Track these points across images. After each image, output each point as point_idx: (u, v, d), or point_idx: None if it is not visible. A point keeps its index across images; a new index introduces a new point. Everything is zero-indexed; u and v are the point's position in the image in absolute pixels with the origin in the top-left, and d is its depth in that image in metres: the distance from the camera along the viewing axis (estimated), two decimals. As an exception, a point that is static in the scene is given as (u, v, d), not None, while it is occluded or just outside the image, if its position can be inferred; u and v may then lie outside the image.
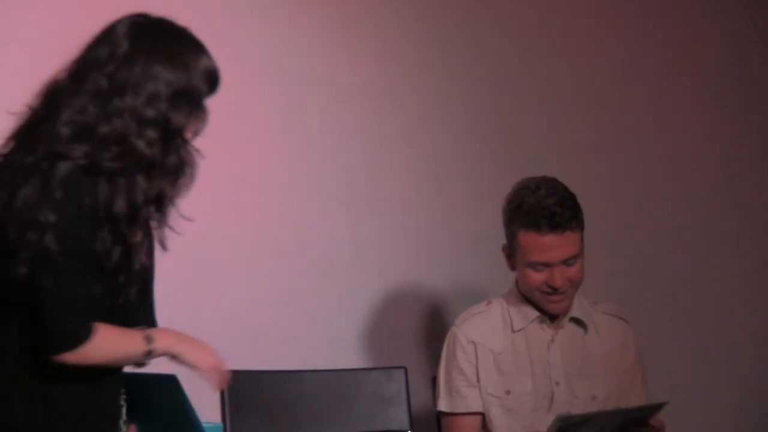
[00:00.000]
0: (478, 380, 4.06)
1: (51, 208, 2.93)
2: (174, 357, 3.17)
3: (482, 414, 4.07)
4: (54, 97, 3.04)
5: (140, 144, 2.98)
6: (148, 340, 3.11)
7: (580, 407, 4.03)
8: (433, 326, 4.73)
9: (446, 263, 4.83)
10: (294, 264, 4.64)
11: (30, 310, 3.00)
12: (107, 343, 3.06)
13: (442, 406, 4.08)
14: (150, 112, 3.00)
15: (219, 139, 4.49)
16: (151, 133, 2.99)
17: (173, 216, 3.10)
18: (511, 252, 4.05)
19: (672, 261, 5.21)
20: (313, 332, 4.60)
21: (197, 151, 3.10)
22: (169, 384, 3.17)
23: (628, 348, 4.16)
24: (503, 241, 4.11)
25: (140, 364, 3.17)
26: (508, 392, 4.05)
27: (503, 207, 4.05)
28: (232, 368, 4.04)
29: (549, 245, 3.95)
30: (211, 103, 4.47)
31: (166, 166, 3.02)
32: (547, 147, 4.93)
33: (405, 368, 4.30)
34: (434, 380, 4.18)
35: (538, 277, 3.99)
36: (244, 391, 4.09)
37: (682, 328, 5.19)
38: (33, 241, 2.93)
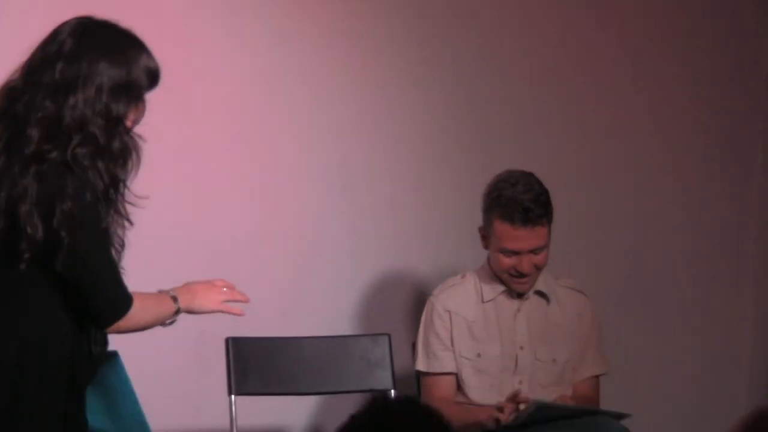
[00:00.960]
0: (452, 344, 4.09)
1: (69, 205, 2.91)
2: (190, 311, 3.22)
3: (455, 374, 4.09)
4: (12, 98, 3.00)
5: (96, 131, 2.95)
6: (175, 300, 3.16)
7: (542, 369, 4.09)
8: (414, 298, 4.70)
9: (427, 243, 4.78)
10: (292, 244, 4.60)
11: (74, 292, 2.99)
12: (145, 309, 3.10)
13: (420, 366, 4.12)
14: (97, 104, 2.96)
15: (225, 131, 4.55)
16: (100, 122, 2.96)
17: (129, 195, 3.06)
18: (486, 234, 4.08)
19: (637, 244, 5.09)
20: (309, 304, 4.58)
21: (139, 137, 3.06)
22: (112, 361, 3.21)
23: (585, 317, 4.19)
24: (479, 223, 4.14)
25: (165, 324, 3.20)
26: (478, 355, 4.08)
27: (484, 194, 4.08)
28: (238, 335, 4.14)
29: (520, 237, 3.98)
30: (214, 95, 4.49)
31: (113, 151, 2.98)
32: (524, 141, 4.85)
33: (389, 335, 4.28)
34: (414, 345, 4.21)
35: (507, 261, 4.02)
36: (247, 355, 4.11)
37: (647, 307, 5.08)
38: (64, 239, 2.91)
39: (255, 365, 4.13)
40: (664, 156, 5.08)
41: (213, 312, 3.25)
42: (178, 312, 3.18)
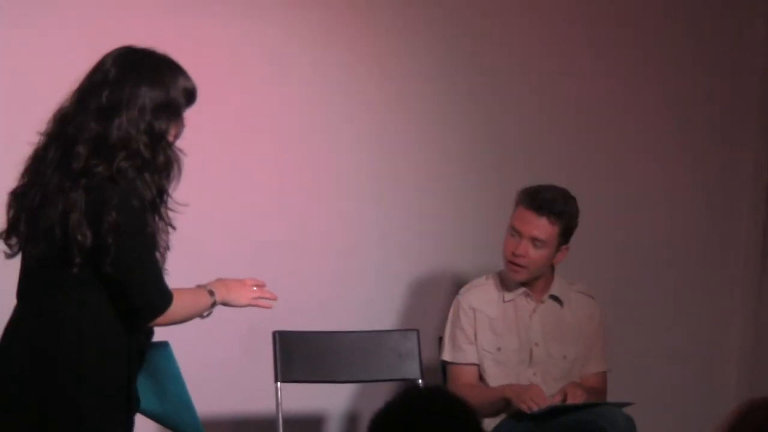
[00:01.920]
0: (475, 338, 4.10)
1: (115, 215, 2.91)
2: (225, 304, 3.21)
3: (477, 366, 4.09)
4: (64, 121, 3.00)
5: (141, 147, 2.95)
6: (211, 294, 3.16)
7: (554, 364, 4.09)
8: (440, 297, 4.66)
9: (451, 247, 4.75)
10: (331, 249, 4.60)
11: (121, 291, 2.99)
12: (184, 303, 3.09)
13: (447, 356, 4.12)
14: (141, 123, 2.96)
15: (273, 146, 4.52)
16: (145, 139, 2.96)
17: (172, 203, 3.07)
18: (508, 227, 4.10)
19: (634, 249, 5.02)
20: (346, 302, 4.56)
21: (180, 150, 3.06)
22: (163, 350, 3.19)
23: (593, 319, 4.19)
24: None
25: (202, 317, 3.19)
26: (498, 349, 4.09)
27: (517, 194, 4.09)
28: (284, 329, 4.13)
29: (526, 218, 4.01)
30: (261, 117, 4.47)
31: (158, 165, 2.99)
32: (541, 151, 4.79)
33: (417, 330, 4.27)
34: (440, 340, 4.21)
35: (510, 242, 4.04)
36: (292, 347, 4.11)
37: (651, 313, 5.03)
38: (111, 246, 2.92)
39: (299, 356, 4.13)
40: (656, 165, 5.03)
41: (245, 306, 3.26)
42: (214, 305, 3.18)
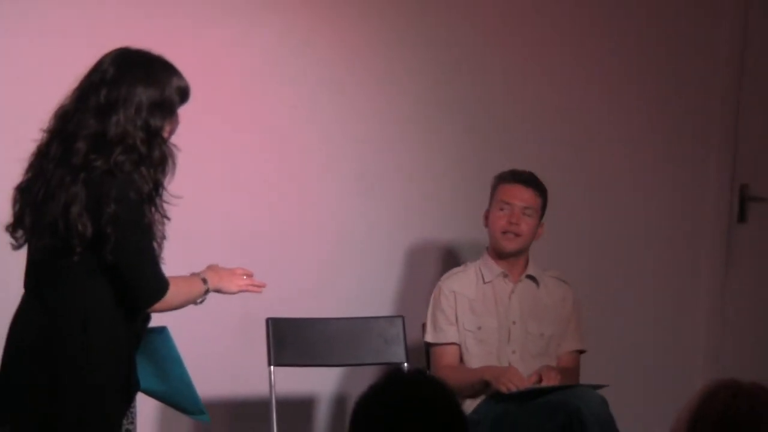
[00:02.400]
0: (456, 320, 4.11)
1: (114, 206, 2.92)
2: (218, 291, 3.21)
3: (458, 345, 4.10)
4: (65, 119, 3.01)
5: (137, 143, 2.96)
6: (204, 282, 3.16)
7: (531, 341, 4.11)
8: (423, 286, 4.62)
9: (433, 240, 4.74)
10: (322, 241, 4.58)
11: (121, 278, 3.00)
12: (179, 291, 3.09)
13: (429, 338, 4.14)
14: (137, 120, 2.97)
15: (263, 141, 4.49)
16: (141, 135, 2.97)
17: (166, 196, 3.08)
18: (489, 210, 4.15)
19: (610, 241, 4.98)
20: (335, 290, 4.55)
21: (174, 146, 3.07)
22: (162, 335, 3.19)
23: (567, 301, 4.21)
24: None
25: (196, 303, 3.20)
26: (479, 328, 4.11)
27: (494, 178, 4.16)
28: (276, 317, 4.12)
29: (515, 190, 4.10)
30: (257, 119, 4.46)
31: (154, 159, 3.00)
32: (517, 140, 4.78)
33: (402, 317, 4.28)
34: (424, 326, 4.21)
35: (501, 216, 4.09)
36: (284, 333, 4.11)
37: (622, 294, 5.01)
38: (110, 236, 2.94)
39: (290, 341, 4.13)
40: (628, 162, 5.00)
41: (236, 293, 3.26)
42: (207, 292, 3.18)
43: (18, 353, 3.06)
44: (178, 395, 3.24)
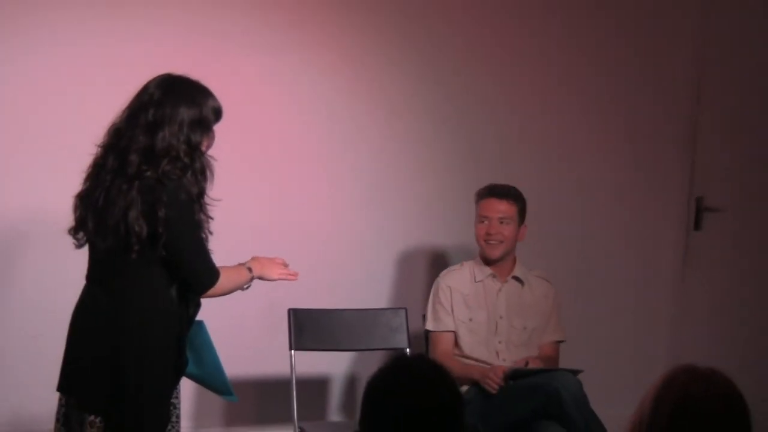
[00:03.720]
0: (452, 311, 4.10)
1: (165, 210, 2.93)
2: (260, 278, 3.22)
3: (454, 333, 4.09)
4: (118, 135, 3.03)
5: (181, 155, 2.98)
6: (249, 270, 3.18)
7: (515, 333, 4.08)
8: (423, 283, 4.67)
9: (432, 243, 4.75)
10: (338, 243, 4.61)
11: (177, 270, 3.01)
12: (228, 279, 3.10)
13: (429, 326, 4.13)
14: (180, 135, 2.99)
15: (286, 155, 4.46)
16: (184, 148, 2.99)
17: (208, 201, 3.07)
18: (474, 220, 4.12)
19: (584, 242, 4.97)
20: (348, 285, 4.57)
21: (211, 157, 3.09)
22: (200, 327, 3.18)
23: (548, 297, 4.18)
24: (471, 228, 4.13)
25: (243, 289, 3.20)
26: (471, 319, 4.09)
27: (475, 195, 4.13)
28: (297, 308, 4.08)
29: (491, 204, 4.06)
30: (281, 141, 4.42)
31: (196, 169, 3.02)
32: (501, 160, 4.75)
33: (405, 309, 4.27)
34: (424, 316, 4.20)
35: (482, 227, 4.07)
36: (303, 322, 4.11)
37: (596, 291, 4.99)
38: (162, 235, 2.94)
39: (309, 329, 4.12)
40: (606, 180, 4.98)
41: (276, 280, 3.27)
42: (252, 279, 3.19)
43: (83, 335, 3.07)
44: (211, 378, 3.24)
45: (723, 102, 5.05)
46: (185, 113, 3.01)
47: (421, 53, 4.69)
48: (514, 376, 3.87)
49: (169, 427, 3.11)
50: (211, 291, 3.07)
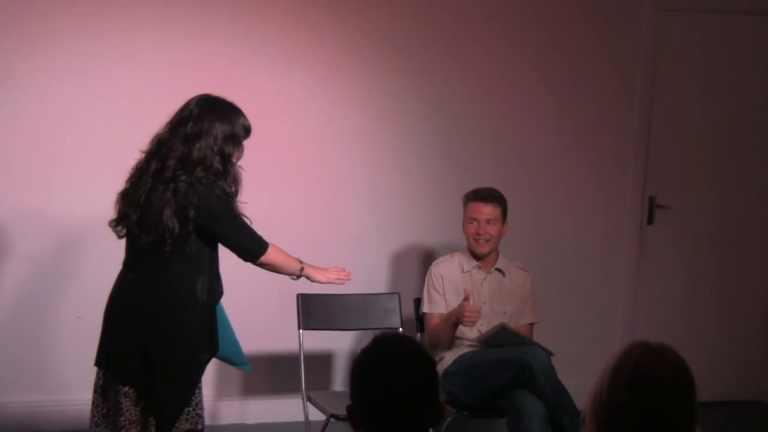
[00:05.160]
0: (444, 296, 4.08)
1: (193, 213, 2.95)
2: (308, 278, 3.25)
3: (444, 314, 4.05)
4: (160, 144, 3.05)
5: (214, 164, 3.00)
6: (301, 263, 3.21)
7: (497, 317, 4.05)
8: (416, 271, 4.65)
9: (425, 236, 4.71)
10: (339, 235, 4.58)
11: (228, 247, 3.05)
12: (278, 254, 3.14)
13: (425, 309, 4.10)
14: (215, 147, 3.01)
15: (298, 162, 4.44)
16: (217, 158, 3.01)
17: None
18: (463, 220, 4.09)
19: (561, 241, 4.90)
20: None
21: (240, 167, 3.12)
22: (218, 308, 3.15)
23: (526, 286, 4.16)
24: (460, 221, 4.10)
25: (292, 278, 3.23)
26: (459, 304, 4.07)
27: (463, 197, 4.10)
28: (305, 293, 4.02)
29: (478, 207, 4.02)
30: (297, 148, 4.39)
31: (228, 177, 3.04)
32: (482, 166, 4.71)
33: (398, 293, 4.25)
34: (416, 301, 4.19)
35: (471, 227, 4.04)
36: (310, 305, 4.08)
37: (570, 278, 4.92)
38: (191, 232, 2.97)
39: (315, 311, 4.10)
40: (569, 181, 4.91)
41: (324, 282, 3.29)
42: (302, 270, 3.20)
43: (119, 317, 3.06)
44: (227, 352, 3.23)
45: (673, 115, 5.04)
46: (219, 128, 3.03)
47: (412, 65, 4.65)
48: (497, 338, 3.85)
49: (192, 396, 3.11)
50: (264, 259, 3.09)
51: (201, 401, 3.11)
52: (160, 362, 2.99)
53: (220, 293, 3.13)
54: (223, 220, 3.02)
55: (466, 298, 3.87)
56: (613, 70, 4.95)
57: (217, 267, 3.12)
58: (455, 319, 3.91)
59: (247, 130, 3.10)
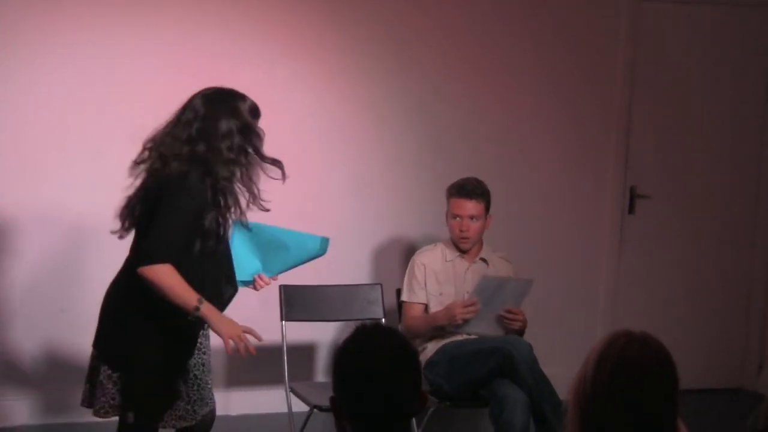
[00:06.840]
0: (425, 285, 4.08)
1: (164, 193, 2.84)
2: (209, 324, 2.86)
3: (424, 305, 4.08)
4: (160, 144, 2.93)
5: (218, 166, 2.86)
6: (200, 302, 2.79)
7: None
8: (399, 262, 4.67)
9: (407, 227, 4.73)
10: (324, 228, 4.51)
11: (147, 230, 2.84)
12: (172, 279, 2.75)
13: (404, 297, 4.11)
14: (225, 143, 2.89)
15: (283, 154, 4.58)
16: (230, 153, 2.88)
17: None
18: (447, 212, 4.10)
19: (545, 231, 4.96)
20: (331, 265, 4.37)
21: (265, 157, 3.00)
22: (255, 228, 3.08)
23: (509, 275, 4.17)
24: (443, 214, 4.13)
25: (185, 315, 2.80)
26: (441, 294, 4.08)
27: (446, 190, 4.10)
28: (287, 284, 4.06)
29: (462, 204, 4.01)
30: (294, 147, 4.27)
31: (242, 170, 2.92)
32: (465, 162, 4.68)
33: (381, 284, 4.25)
34: (398, 291, 4.20)
35: (455, 223, 4.04)
36: (293, 296, 4.09)
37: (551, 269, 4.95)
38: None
39: (297, 302, 4.10)
40: (553, 172, 4.95)
41: (223, 336, 2.82)
42: (195, 310, 2.78)
43: (104, 299, 3.05)
44: (302, 249, 3.13)
45: (654, 105, 5.08)
46: (226, 124, 2.89)
47: (395, 62, 4.69)
48: (484, 293, 3.87)
49: (199, 373, 3.05)
50: (150, 272, 2.73)
51: (202, 398, 3.06)
52: (139, 349, 2.94)
53: (235, 289, 3.05)
54: (164, 201, 2.79)
55: (454, 304, 3.87)
56: (594, 61, 4.98)
57: (217, 268, 2.99)
58: (442, 324, 3.93)
59: (253, 112, 2.95)
